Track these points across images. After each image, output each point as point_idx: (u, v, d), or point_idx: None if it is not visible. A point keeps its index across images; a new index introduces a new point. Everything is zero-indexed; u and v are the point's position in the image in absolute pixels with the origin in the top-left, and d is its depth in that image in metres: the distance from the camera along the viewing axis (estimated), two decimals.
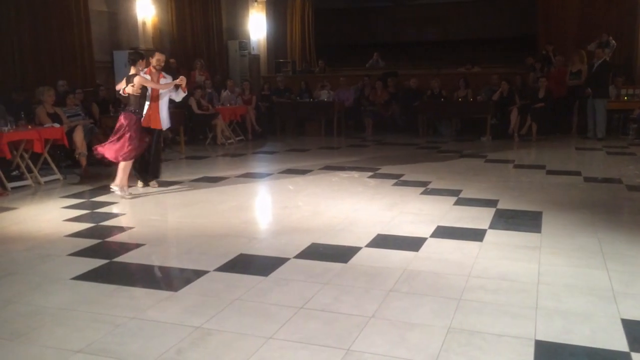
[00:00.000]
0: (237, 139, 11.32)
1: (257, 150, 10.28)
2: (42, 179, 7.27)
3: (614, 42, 11.31)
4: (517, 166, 8.06)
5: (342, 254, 4.24)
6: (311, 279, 3.76)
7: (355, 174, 7.51)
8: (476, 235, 4.65)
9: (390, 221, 5.14)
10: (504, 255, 4.17)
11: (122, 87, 6.43)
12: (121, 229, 5.09)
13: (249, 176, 7.63)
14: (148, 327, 3.11)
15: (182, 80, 6.62)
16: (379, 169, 7.81)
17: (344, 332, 2.99)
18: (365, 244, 4.48)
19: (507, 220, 5.10)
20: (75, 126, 7.95)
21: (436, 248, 4.36)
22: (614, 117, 10.99)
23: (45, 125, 7.47)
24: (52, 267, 4.13)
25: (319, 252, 4.30)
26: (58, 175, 7.50)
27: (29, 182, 7.13)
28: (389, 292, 3.50)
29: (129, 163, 6.39)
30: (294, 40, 16.80)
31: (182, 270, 4.06)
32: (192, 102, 10.58)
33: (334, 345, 2.85)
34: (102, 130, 8.81)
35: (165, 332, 3.04)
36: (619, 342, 2.84)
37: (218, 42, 13.90)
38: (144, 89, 6.38)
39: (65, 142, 7.52)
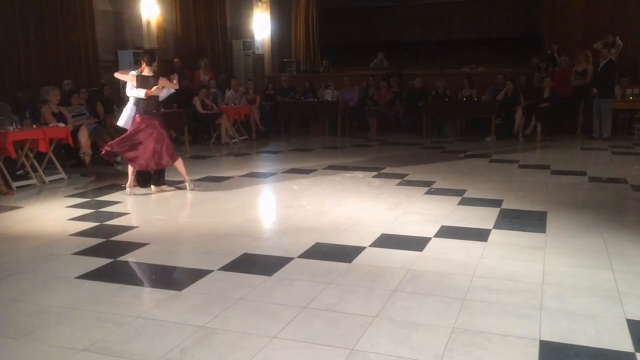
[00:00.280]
0: (241, 138, 11.34)
1: (261, 150, 10.29)
2: (47, 178, 7.29)
3: (620, 42, 11.27)
4: (521, 166, 8.04)
5: (346, 253, 4.24)
6: (315, 278, 3.76)
7: (360, 174, 7.51)
8: (480, 235, 4.64)
9: (395, 221, 5.13)
10: (509, 255, 4.16)
11: (142, 88, 6.26)
12: (126, 228, 5.10)
13: (253, 176, 7.63)
14: (152, 326, 3.11)
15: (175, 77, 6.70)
16: (383, 168, 7.81)
17: (348, 332, 2.99)
18: (370, 243, 4.47)
19: (512, 220, 5.09)
20: (80, 125, 7.98)
21: (440, 248, 4.36)
22: (620, 117, 10.96)
23: (50, 125, 7.50)
24: (56, 266, 4.14)
25: (323, 252, 4.30)
26: (63, 175, 7.52)
27: (34, 181, 7.16)
28: (393, 292, 3.50)
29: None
30: (298, 39, 16.81)
31: (186, 269, 4.07)
32: (196, 102, 10.60)
33: (338, 345, 2.85)
34: (107, 130, 8.84)
35: (169, 331, 3.05)
36: (624, 342, 2.83)
37: (222, 42, 13.92)
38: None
39: (70, 141, 7.55)
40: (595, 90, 10.45)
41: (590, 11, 12.59)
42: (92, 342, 2.95)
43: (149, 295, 3.60)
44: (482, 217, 5.16)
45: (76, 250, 4.46)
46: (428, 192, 6.27)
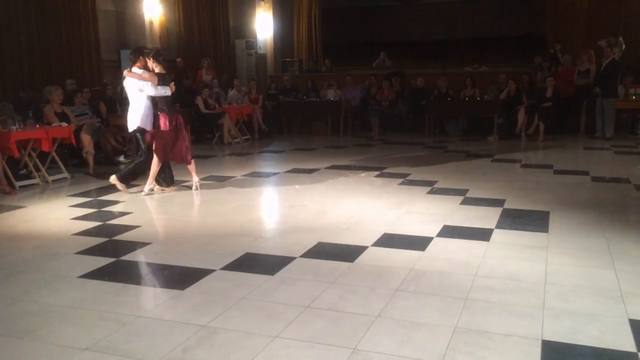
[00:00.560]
0: (244, 138, 11.34)
1: (264, 150, 10.29)
2: (50, 178, 7.31)
3: (622, 41, 11.24)
4: (524, 166, 8.02)
5: (348, 253, 4.24)
6: (317, 278, 3.76)
7: (362, 173, 7.50)
8: (483, 234, 4.63)
9: (397, 220, 5.13)
10: (511, 255, 4.16)
11: (164, 87, 6.27)
12: (128, 228, 5.11)
13: (256, 175, 7.64)
14: (154, 326, 3.12)
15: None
16: (386, 168, 7.80)
17: (350, 331, 2.99)
18: (372, 243, 4.47)
19: (514, 219, 5.08)
20: (83, 125, 7.99)
21: (443, 247, 4.35)
22: (623, 116, 10.94)
23: (53, 124, 7.51)
24: (59, 265, 4.15)
25: (325, 252, 4.30)
26: (65, 174, 7.53)
27: (36, 180, 7.17)
28: (395, 292, 3.50)
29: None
30: (301, 39, 16.82)
31: (188, 269, 4.07)
32: (199, 102, 10.61)
33: (340, 345, 2.85)
34: (109, 129, 8.85)
35: (171, 331, 3.05)
36: (626, 342, 2.83)
37: (225, 41, 13.92)
38: None
39: (73, 141, 7.56)
40: (598, 89, 10.42)
41: (593, 11, 12.56)
42: (95, 341, 2.95)
43: (151, 295, 3.61)
44: (484, 217, 5.16)
45: (79, 250, 4.47)
46: (430, 192, 6.27)
